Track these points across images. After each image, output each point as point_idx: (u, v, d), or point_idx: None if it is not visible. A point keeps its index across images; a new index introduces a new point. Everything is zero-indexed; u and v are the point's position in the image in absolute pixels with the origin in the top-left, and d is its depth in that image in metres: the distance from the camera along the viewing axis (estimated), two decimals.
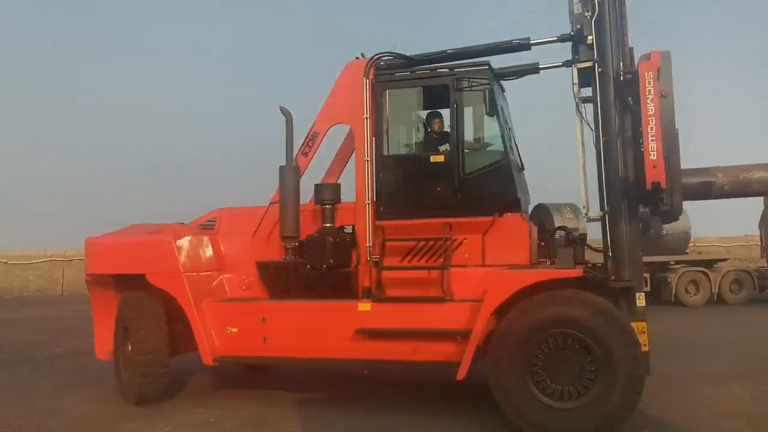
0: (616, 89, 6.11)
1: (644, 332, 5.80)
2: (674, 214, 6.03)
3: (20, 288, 26.20)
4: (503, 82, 7.28)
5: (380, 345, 6.20)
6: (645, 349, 5.70)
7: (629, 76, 6.05)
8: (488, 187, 6.38)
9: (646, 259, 16.03)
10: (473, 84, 6.43)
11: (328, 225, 6.81)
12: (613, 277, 5.96)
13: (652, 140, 5.54)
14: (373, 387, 7.26)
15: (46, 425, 6.22)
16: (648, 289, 15.98)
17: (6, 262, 26.32)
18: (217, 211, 7.72)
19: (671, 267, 16.55)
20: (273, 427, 5.95)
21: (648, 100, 5.62)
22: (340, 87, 7.03)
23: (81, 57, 46.85)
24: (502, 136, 6.49)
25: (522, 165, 7.27)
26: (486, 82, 6.43)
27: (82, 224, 32.87)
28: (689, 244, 18.05)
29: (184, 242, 7.10)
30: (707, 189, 6.22)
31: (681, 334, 11.43)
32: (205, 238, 7.37)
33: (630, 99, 6.01)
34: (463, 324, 5.87)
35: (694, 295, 16.39)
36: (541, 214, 17.08)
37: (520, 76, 7.17)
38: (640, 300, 5.89)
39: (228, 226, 7.54)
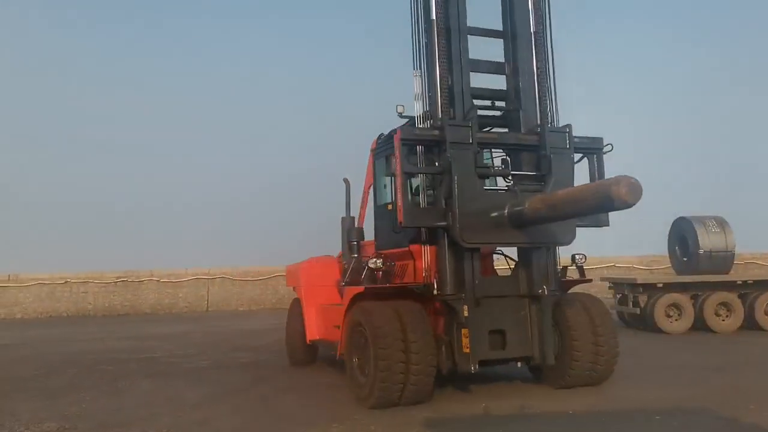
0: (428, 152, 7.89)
1: (467, 337, 7.38)
2: (462, 244, 7.47)
3: (170, 305, 28.24)
4: None
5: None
6: (466, 350, 7.39)
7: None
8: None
9: None
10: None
11: (354, 256, 9.18)
12: (436, 292, 7.62)
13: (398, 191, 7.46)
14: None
15: None
16: None
17: (158, 281, 28.50)
18: None
19: None
20: None
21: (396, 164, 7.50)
22: (369, 159, 9.62)
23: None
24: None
25: None
26: (386, 151, 8.38)
27: (224, 246, 35.07)
28: None
29: (308, 268, 11.07)
30: (519, 217, 7.37)
31: None
32: (332, 263, 10.78)
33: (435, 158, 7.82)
34: None
35: None
36: (683, 228, 16.18)
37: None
38: (465, 311, 7.41)
39: None
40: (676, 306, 14.44)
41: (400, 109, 8.31)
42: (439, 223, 7.56)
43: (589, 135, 8.29)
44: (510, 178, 8.17)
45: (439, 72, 7.91)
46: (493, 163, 8.80)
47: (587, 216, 7.66)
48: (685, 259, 16.12)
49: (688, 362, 10.28)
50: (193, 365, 11.65)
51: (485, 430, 6.42)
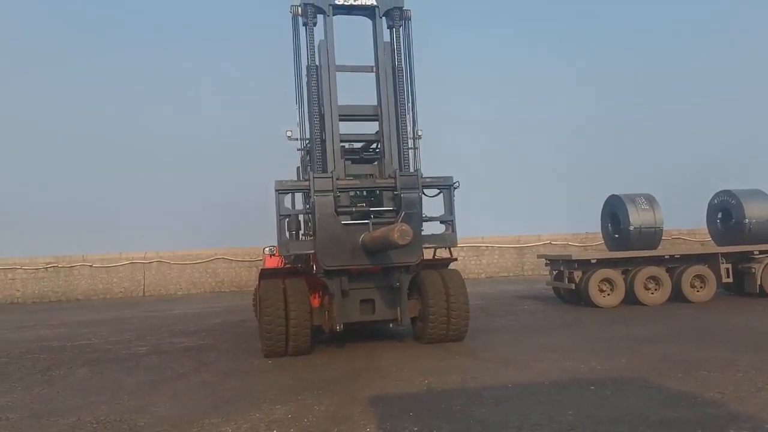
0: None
1: (335, 305, 9.77)
2: (323, 267, 9.66)
3: (105, 290, 27.47)
4: None
5: None
6: (335, 315, 9.76)
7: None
8: None
9: (725, 249, 15.45)
10: None
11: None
12: (314, 272, 9.94)
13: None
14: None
15: (132, 421, 6.47)
16: (730, 280, 15.31)
17: (91, 266, 27.63)
18: None
19: (755, 257, 15.74)
20: (349, 423, 6.02)
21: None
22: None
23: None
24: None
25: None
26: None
27: (160, 230, 34.27)
28: None
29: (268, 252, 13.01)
30: (363, 247, 9.42)
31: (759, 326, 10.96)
32: None
33: None
34: None
35: None
36: (615, 205, 16.70)
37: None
38: (332, 288, 9.76)
39: None
40: (608, 281, 14.95)
41: (288, 133, 10.39)
42: (309, 251, 9.80)
43: (443, 175, 10.22)
44: (372, 215, 9.90)
45: (310, 104, 10.07)
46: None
47: (393, 248, 8.99)
48: (616, 235, 16.66)
49: (620, 334, 10.68)
50: (130, 351, 11.38)
51: (427, 403, 6.52)
